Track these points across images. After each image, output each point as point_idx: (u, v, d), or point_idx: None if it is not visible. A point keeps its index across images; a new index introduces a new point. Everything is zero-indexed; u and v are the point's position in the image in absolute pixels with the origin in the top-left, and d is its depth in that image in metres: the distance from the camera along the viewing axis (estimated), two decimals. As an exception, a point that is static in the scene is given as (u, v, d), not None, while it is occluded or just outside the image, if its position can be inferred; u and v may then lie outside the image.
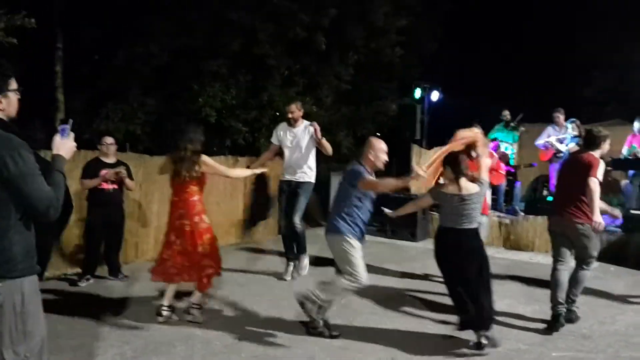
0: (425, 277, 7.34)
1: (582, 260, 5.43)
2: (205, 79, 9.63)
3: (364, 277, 4.78)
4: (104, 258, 6.83)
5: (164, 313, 5.18)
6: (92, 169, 6.52)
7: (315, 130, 6.87)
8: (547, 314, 5.74)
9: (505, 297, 6.40)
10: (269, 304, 5.91)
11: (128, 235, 7.30)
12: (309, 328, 4.99)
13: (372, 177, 4.89)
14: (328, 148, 6.96)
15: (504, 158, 10.15)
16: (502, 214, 10.22)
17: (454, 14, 16.47)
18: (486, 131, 11.58)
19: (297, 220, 7.02)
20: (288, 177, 7.22)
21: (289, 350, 4.69)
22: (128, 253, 7.57)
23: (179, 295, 5.46)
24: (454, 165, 4.73)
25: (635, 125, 9.98)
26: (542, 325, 5.42)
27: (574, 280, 5.44)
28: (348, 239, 4.78)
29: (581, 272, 5.44)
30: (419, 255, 8.62)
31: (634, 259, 8.18)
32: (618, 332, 5.30)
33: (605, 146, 5.55)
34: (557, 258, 5.52)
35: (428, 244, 9.49)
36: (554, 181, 10.57)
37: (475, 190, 4.71)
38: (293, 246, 7.19)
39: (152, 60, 9.79)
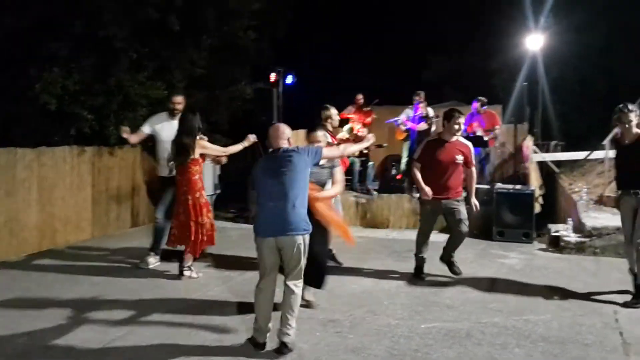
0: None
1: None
2: (44, 64, 8.80)
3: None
4: None
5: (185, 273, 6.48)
6: None
7: None
8: (409, 288, 6.08)
9: (369, 274, 6.65)
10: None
11: None
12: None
13: None
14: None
15: (357, 140, 10.47)
16: (358, 194, 10.56)
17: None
18: (339, 111, 11.93)
19: (158, 215, 6.99)
20: (164, 173, 7.01)
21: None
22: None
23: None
24: None
25: (474, 106, 10.81)
26: (407, 300, 5.69)
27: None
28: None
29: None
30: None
31: (477, 229, 8.85)
32: (477, 299, 5.75)
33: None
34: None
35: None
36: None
37: None
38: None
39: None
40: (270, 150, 4.56)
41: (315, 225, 4.61)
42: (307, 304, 5.26)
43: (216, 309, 5.40)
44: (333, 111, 7.24)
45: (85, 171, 8.92)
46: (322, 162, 4.93)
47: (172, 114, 7.08)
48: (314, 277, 5.00)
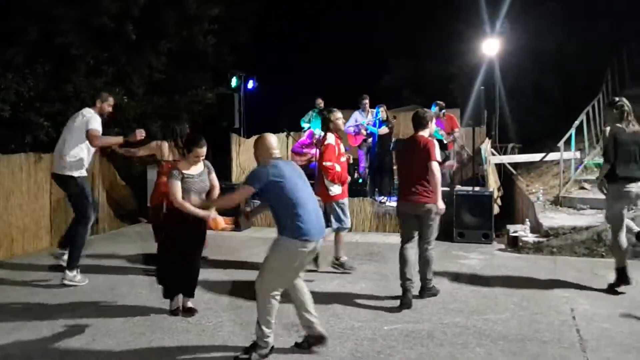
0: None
1: (426, 240, 5.80)
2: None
3: None
4: None
5: None
6: None
7: None
8: (375, 291, 6.14)
9: (334, 278, 6.68)
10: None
11: None
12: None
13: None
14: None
15: (318, 144, 10.53)
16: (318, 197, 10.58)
17: (266, 4, 16.67)
18: (300, 116, 11.99)
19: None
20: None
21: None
22: None
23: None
24: None
25: (432, 109, 10.96)
26: (371, 302, 5.74)
27: (424, 261, 5.83)
28: None
29: (427, 252, 5.83)
30: (243, 244, 8.59)
31: (440, 231, 8.94)
32: (437, 301, 5.81)
33: (432, 126, 6.04)
34: (406, 238, 5.81)
35: (252, 232, 9.65)
36: (363, 164, 11.26)
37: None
38: None
39: None
40: (275, 157, 4.52)
41: (199, 235, 5.36)
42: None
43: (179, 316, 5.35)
44: (338, 114, 7.04)
45: (43, 179, 8.72)
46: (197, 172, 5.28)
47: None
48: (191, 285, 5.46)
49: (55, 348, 4.63)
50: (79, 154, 6.39)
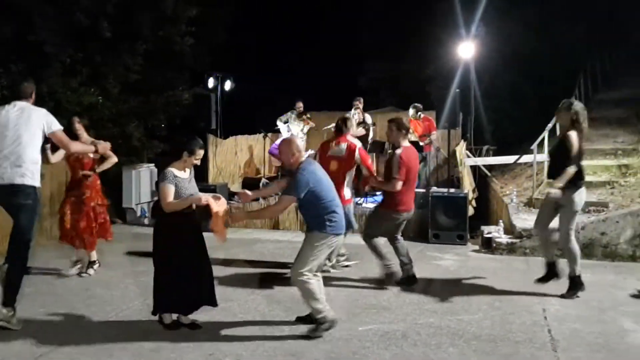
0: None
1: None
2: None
3: None
4: None
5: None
6: None
7: None
8: (350, 291, 6.17)
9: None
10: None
11: None
12: None
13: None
14: None
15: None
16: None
17: (244, 4, 16.65)
18: (276, 116, 12.00)
19: None
20: None
21: None
22: None
23: None
24: None
25: (410, 112, 11.08)
26: (347, 303, 5.78)
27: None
28: None
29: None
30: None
31: (414, 232, 9.05)
32: (412, 301, 5.88)
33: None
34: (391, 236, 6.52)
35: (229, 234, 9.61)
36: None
37: None
38: None
39: None
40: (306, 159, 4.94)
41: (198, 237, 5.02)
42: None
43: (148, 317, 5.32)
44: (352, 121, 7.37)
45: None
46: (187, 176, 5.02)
47: None
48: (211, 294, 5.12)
49: (28, 350, 4.59)
50: (38, 159, 5.27)
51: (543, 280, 6.16)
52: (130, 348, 4.64)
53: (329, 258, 6.61)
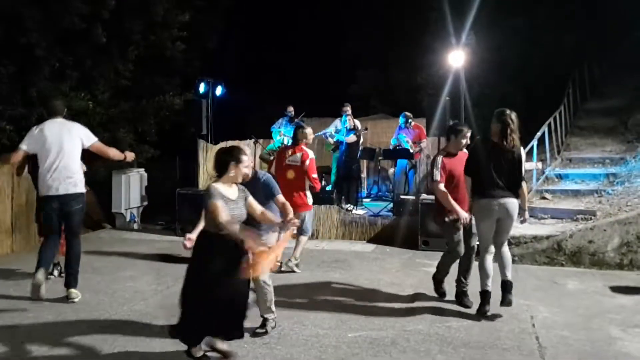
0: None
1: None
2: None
3: None
4: None
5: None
6: None
7: None
8: (340, 298, 6.18)
9: (297, 285, 6.71)
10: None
11: None
12: None
13: None
14: None
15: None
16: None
17: (235, 10, 16.66)
18: (268, 123, 12.00)
19: None
20: None
21: None
22: None
23: None
24: None
25: (401, 120, 11.15)
26: (336, 309, 5.78)
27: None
28: None
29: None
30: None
31: (403, 239, 9.08)
32: (402, 307, 5.90)
33: None
34: None
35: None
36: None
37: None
38: None
39: None
40: None
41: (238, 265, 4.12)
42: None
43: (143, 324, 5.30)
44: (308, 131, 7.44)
45: (5, 183, 8.55)
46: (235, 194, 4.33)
47: None
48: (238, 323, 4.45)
49: (15, 356, 4.55)
50: (80, 168, 6.04)
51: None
52: (118, 354, 4.61)
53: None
